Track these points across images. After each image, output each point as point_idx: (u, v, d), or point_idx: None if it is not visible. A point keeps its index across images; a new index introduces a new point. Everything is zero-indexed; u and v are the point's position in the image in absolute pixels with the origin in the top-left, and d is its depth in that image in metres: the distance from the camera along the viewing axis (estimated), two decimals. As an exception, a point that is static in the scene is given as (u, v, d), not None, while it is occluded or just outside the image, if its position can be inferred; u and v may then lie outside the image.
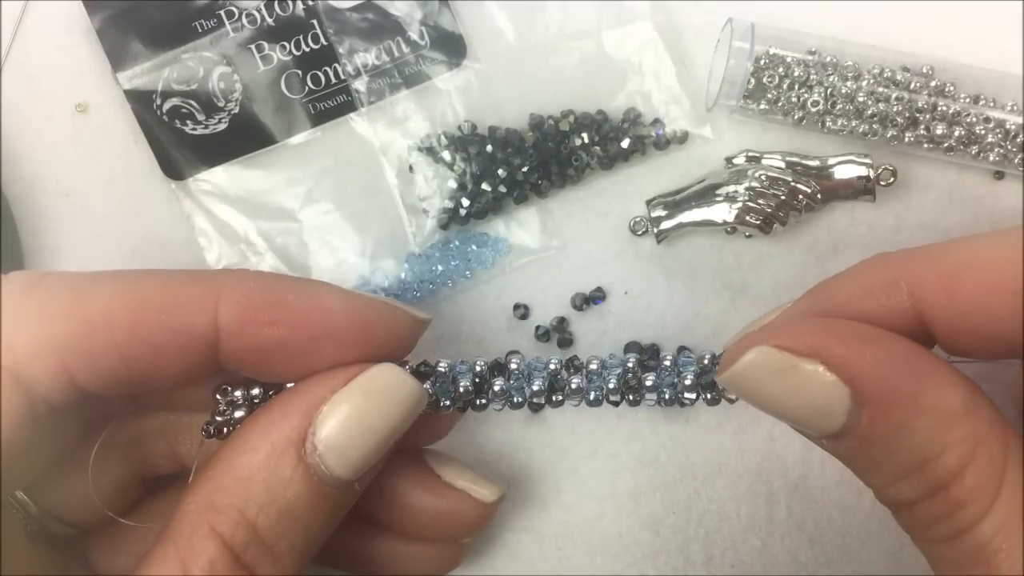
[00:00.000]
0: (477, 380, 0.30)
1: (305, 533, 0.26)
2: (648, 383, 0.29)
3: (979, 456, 0.23)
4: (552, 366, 0.30)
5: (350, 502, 0.28)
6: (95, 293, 0.26)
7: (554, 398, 0.30)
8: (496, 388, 0.30)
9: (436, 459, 0.33)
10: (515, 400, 0.30)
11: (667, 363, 0.30)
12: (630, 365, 0.30)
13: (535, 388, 0.30)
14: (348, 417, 0.26)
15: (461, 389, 0.29)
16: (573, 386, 0.30)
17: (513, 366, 0.30)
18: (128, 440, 0.32)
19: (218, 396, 0.30)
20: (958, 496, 0.24)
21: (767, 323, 0.28)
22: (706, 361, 0.29)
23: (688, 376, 0.29)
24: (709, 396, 0.29)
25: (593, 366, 0.30)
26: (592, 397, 0.30)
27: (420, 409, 0.28)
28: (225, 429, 0.29)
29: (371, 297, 0.29)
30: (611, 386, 0.30)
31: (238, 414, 0.29)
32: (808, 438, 0.27)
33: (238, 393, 0.29)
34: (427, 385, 0.29)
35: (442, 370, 0.29)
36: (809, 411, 0.25)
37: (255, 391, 0.29)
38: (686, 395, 0.29)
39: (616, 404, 0.30)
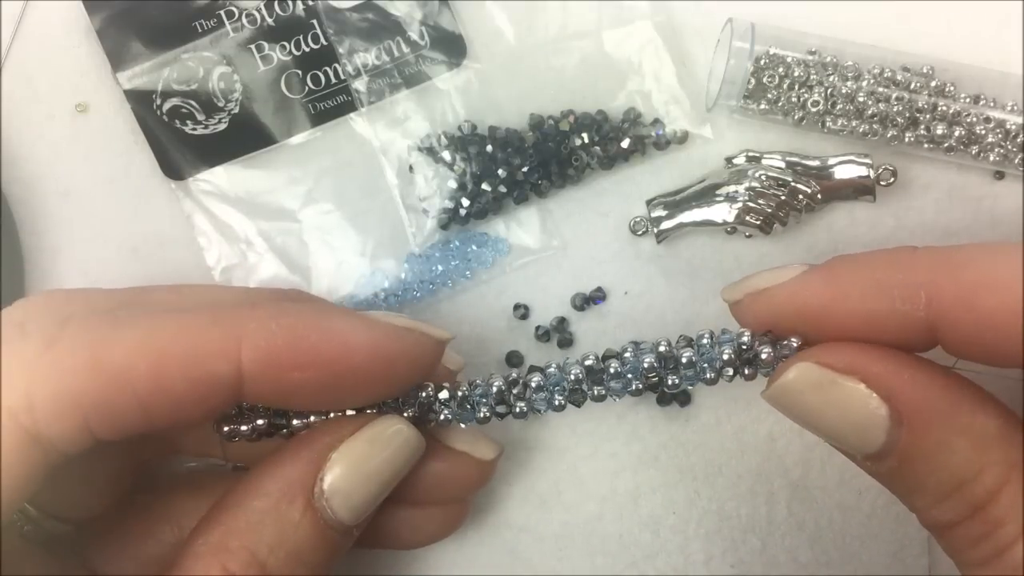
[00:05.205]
0: (497, 405, 0.30)
1: (310, 573, 0.28)
2: (684, 359, 0.29)
3: (1014, 479, 0.24)
4: (573, 375, 0.30)
5: (347, 546, 0.29)
6: (115, 346, 0.25)
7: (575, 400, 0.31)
8: (517, 410, 0.30)
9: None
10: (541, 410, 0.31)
11: (705, 341, 0.29)
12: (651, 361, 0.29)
13: (556, 403, 0.30)
14: (354, 464, 0.28)
15: (481, 415, 0.30)
16: (595, 394, 0.30)
17: (534, 383, 0.30)
18: None
19: (220, 430, 0.30)
20: (996, 515, 0.24)
21: (768, 277, 0.29)
22: (746, 338, 0.29)
23: (726, 351, 0.29)
24: (747, 372, 0.29)
25: (613, 368, 0.30)
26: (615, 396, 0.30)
27: (419, 456, 0.30)
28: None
29: (394, 326, 0.28)
30: (633, 388, 0.30)
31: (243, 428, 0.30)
32: (852, 460, 0.27)
33: (244, 428, 0.30)
34: (446, 413, 0.30)
35: (462, 393, 0.30)
36: (849, 426, 0.26)
37: (260, 423, 0.30)
38: (725, 370, 0.29)
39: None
